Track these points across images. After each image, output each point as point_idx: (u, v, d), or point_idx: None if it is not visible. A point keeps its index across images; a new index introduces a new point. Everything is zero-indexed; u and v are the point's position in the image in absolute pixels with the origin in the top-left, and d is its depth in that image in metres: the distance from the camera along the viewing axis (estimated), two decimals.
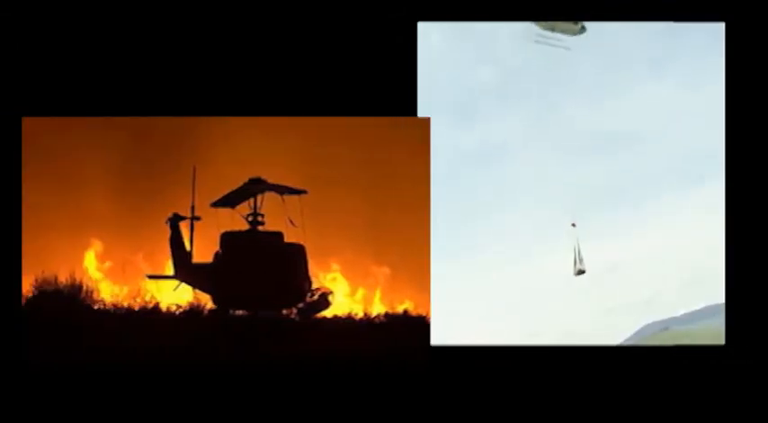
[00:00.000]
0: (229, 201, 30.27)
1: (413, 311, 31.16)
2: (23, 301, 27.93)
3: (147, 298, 29.92)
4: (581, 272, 27.92)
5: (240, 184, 29.90)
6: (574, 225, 27.84)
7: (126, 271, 30.91)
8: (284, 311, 30.17)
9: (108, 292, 30.19)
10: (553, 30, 27.36)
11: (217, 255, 30.18)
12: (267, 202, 30.31)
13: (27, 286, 28.73)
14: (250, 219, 30.29)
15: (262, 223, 30.33)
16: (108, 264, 31.39)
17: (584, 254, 28.08)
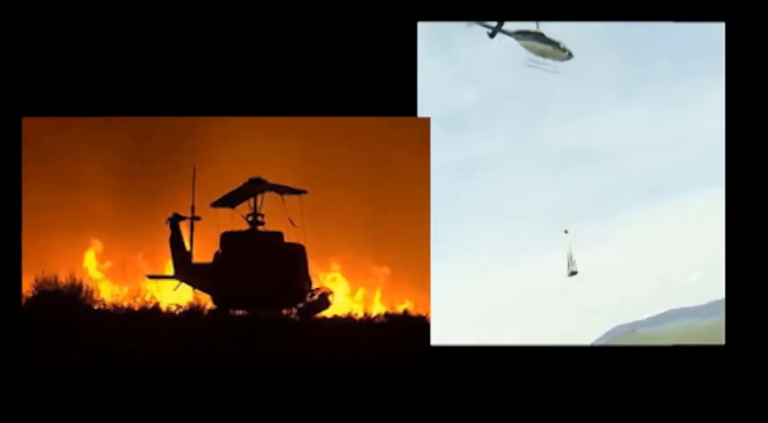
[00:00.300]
0: (229, 201, 30.26)
1: (413, 311, 31.14)
2: (23, 301, 27.94)
3: (147, 298, 29.91)
4: (573, 273, 29.60)
5: (240, 184, 29.89)
6: (566, 232, 29.61)
7: (126, 271, 30.89)
8: (284, 311, 30.16)
9: (108, 292, 30.17)
10: (543, 56, 29.43)
11: (217, 255, 30.18)
12: (267, 202, 30.30)
13: (27, 286, 28.72)
14: (250, 219, 30.28)
15: (262, 223, 30.32)
16: (108, 264, 31.38)
17: (574, 258, 29.84)
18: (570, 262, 29.81)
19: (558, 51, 29.75)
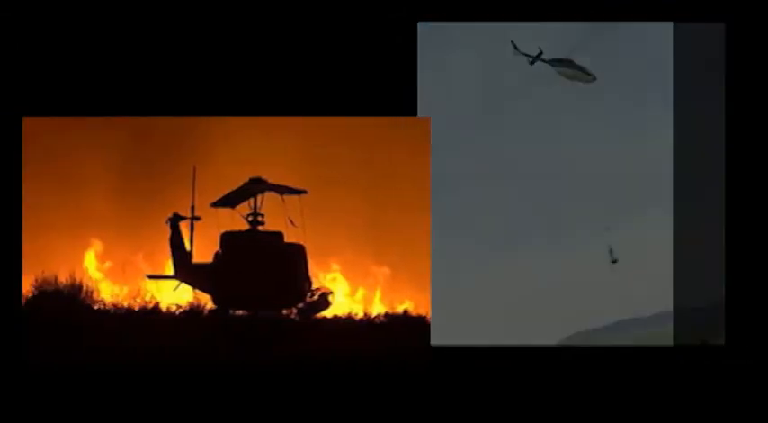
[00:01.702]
0: (229, 201, 30.26)
1: (413, 311, 31.15)
2: (23, 301, 27.94)
3: (147, 298, 29.92)
4: (614, 261, 34.49)
5: (240, 184, 29.90)
6: (608, 228, 34.21)
7: (126, 271, 30.93)
8: (284, 311, 30.17)
9: (108, 292, 30.19)
10: (574, 79, 34.44)
11: (217, 255, 30.18)
12: (267, 202, 30.30)
13: (27, 286, 28.74)
14: (250, 219, 30.28)
15: (262, 223, 30.32)
16: (108, 264, 31.41)
17: (613, 249, 34.63)
18: (611, 252, 34.15)
19: (585, 75, 34.41)
